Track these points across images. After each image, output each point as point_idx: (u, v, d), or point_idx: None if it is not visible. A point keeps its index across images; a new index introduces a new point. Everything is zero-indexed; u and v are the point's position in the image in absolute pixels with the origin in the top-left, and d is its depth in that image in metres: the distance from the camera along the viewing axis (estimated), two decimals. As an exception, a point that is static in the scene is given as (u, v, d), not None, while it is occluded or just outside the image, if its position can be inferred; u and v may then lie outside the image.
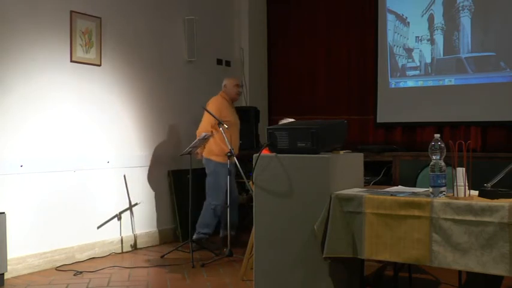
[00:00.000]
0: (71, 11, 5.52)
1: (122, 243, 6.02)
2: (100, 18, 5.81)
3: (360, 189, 3.66)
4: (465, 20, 6.62)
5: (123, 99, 6.11)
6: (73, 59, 5.56)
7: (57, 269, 5.22)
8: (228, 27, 7.58)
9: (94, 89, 5.78)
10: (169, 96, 6.62)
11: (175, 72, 6.74)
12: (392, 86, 7.06)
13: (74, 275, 5.02)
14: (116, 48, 6.01)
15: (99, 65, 5.83)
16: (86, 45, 5.68)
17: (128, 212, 6.17)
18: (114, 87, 6.01)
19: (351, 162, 3.89)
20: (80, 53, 5.61)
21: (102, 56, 5.85)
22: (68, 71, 5.52)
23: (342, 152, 3.80)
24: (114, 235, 5.97)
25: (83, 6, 5.65)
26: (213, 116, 5.61)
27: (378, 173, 6.05)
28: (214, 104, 5.98)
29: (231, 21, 7.62)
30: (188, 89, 6.86)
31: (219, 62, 7.43)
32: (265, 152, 3.78)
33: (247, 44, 7.67)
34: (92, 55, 5.74)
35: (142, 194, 6.33)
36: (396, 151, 6.48)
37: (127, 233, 6.12)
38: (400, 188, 3.85)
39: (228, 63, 7.54)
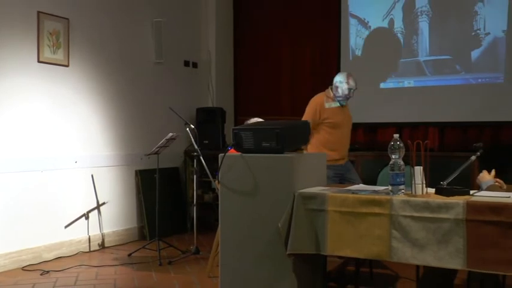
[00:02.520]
0: (38, 12, 5.43)
1: (89, 242, 5.95)
2: (68, 19, 5.73)
3: (323, 188, 3.68)
4: (423, 25, 6.73)
5: (91, 99, 6.04)
6: (40, 60, 5.47)
7: (24, 268, 5.13)
8: (195, 30, 7.55)
9: (62, 89, 5.70)
10: (137, 97, 6.57)
11: (143, 73, 6.68)
12: (354, 88, 7.12)
13: (41, 274, 4.94)
14: (84, 49, 5.93)
15: (67, 66, 5.75)
16: (53, 46, 5.60)
17: (96, 211, 6.10)
18: (82, 88, 5.94)
19: (314, 161, 3.92)
20: (47, 54, 5.53)
21: (70, 56, 5.77)
22: (35, 71, 5.43)
23: (305, 152, 3.82)
24: (81, 234, 5.89)
25: (50, 7, 5.56)
26: (178, 116, 5.55)
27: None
28: (310, 105, 5.52)
29: (198, 23, 7.60)
30: (156, 90, 6.81)
31: (187, 63, 7.39)
32: (231, 152, 3.78)
33: (214, 46, 7.65)
34: (59, 56, 5.66)
35: (110, 193, 6.26)
36: (358, 151, 6.55)
37: (94, 232, 6.05)
38: (361, 186, 3.90)
39: (195, 65, 7.51)
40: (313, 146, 5.35)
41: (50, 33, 5.56)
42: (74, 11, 5.82)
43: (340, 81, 5.36)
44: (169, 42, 6.93)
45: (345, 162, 5.38)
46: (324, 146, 5.30)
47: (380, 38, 6.99)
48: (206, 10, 7.65)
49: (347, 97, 5.37)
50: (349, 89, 5.32)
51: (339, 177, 5.25)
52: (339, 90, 5.34)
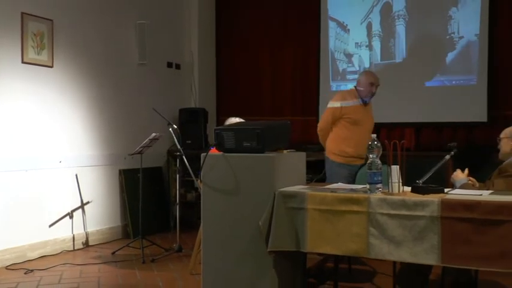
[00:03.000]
0: (22, 13, 5.37)
1: (73, 241, 5.90)
2: (52, 20, 5.67)
3: (303, 187, 3.70)
4: (400, 28, 6.78)
5: (75, 100, 5.99)
6: (25, 60, 5.41)
7: (8, 268, 5.06)
8: (178, 32, 7.53)
9: (46, 89, 5.64)
10: (120, 98, 6.53)
11: (127, 74, 6.65)
12: (334, 88, 7.16)
13: (25, 273, 4.87)
14: (68, 50, 5.88)
15: (51, 67, 5.69)
16: (37, 47, 5.54)
17: (80, 210, 6.04)
18: (67, 88, 5.88)
19: (294, 160, 3.93)
20: (31, 55, 5.47)
21: (54, 57, 5.71)
22: (19, 72, 5.36)
23: (285, 151, 3.83)
24: (65, 233, 5.84)
25: (34, 9, 5.50)
26: (162, 116, 5.53)
27: (320, 171, 6.10)
28: (335, 99, 5.43)
29: (181, 26, 7.57)
30: (139, 90, 6.78)
31: (169, 64, 7.36)
32: (213, 152, 3.78)
33: (196, 47, 7.63)
34: (43, 57, 5.60)
35: (94, 192, 6.22)
36: (337, 150, 6.56)
37: (79, 231, 6.00)
38: (340, 185, 3.92)
39: (178, 66, 7.49)
40: (331, 141, 5.32)
41: (34, 34, 5.50)
42: (58, 12, 5.76)
43: (362, 79, 5.33)
44: (153, 43, 6.90)
45: (361, 162, 5.13)
46: (342, 142, 5.24)
47: (362, 41, 7.02)
48: (189, 12, 7.62)
49: (369, 93, 5.28)
50: (371, 83, 5.24)
51: (353, 178, 5.06)
52: (361, 86, 5.29)
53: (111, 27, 6.43)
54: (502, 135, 4.00)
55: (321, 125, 5.44)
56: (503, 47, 6.28)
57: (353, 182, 4.86)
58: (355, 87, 5.38)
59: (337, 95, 5.48)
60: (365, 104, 5.32)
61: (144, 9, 6.85)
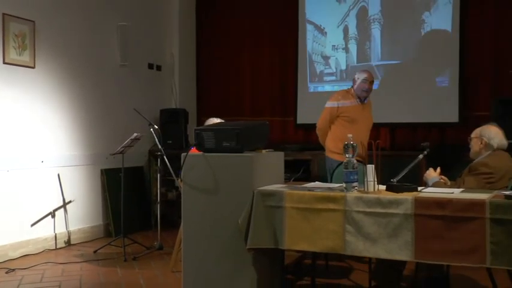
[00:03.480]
0: (4, 14, 5.29)
1: (55, 240, 5.83)
2: (34, 21, 5.60)
3: (281, 185, 3.71)
4: (376, 32, 6.83)
5: (57, 100, 5.92)
6: (6, 61, 5.33)
7: (-11, 267, 4.99)
8: (159, 34, 7.48)
9: (28, 90, 5.57)
10: (102, 98, 6.47)
11: (109, 76, 6.59)
12: (311, 90, 7.19)
13: (6, 272, 4.79)
14: (50, 51, 5.81)
15: (33, 67, 5.61)
16: (19, 48, 5.47)
17: (62, 209, 5.98)
18: (48, 89, 5.81)
19: (273, 160, 3.93)
20: (13, 55, 5.39)
21: (36, 58, 5.64)
22: (0, 72, 5.28)
23: (264, 151, 3.83)
24: (47, 232, 5.76)
25: (16, 10, 5.42)
26: (143, 116, 5.49)
27: (298, 170, 6.13)
28: (332, 98, 5.40)
29: (162, 28, 7.53)
30: (121, 91, 6.72)
31: (151, 66, 7.32)
32: (193, 151, 3.77)
33: (177, 49, 7.60)
34: (25, 57, 5.53)
35: (76, 192, 6.15)
36: (314, 150, 6.57)
37: (61, 230, 5.92)
38: (317, 183, 3.93)
39: (159, 68, 7.45)
40: (330, 140, 5.30)
41: (16, 35, 5.42)
42: (40, 13, 5.69)
43: (355, 77, 5.31)
44: (134, 45, 6.85)
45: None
46: (339, 140, 4.98)
47: (339, 44, 7.05)
48: (170, 15, 7.58)
49: (362, 90, 5.23)
50: (364, 80, 5.20)
51: None
52: (355, 84, 5.28)
53: (93, 28, 6.37)
54: (472, 135, 4.05)
55: (319, 124, 5.43)
56: (474, 49, 6.35)
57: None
58: (352, 86, 5.35)
59: (334, 94, 5.47)
60: (362, 102, 5.29)
61: (125, 11, 6.79)
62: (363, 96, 5.27)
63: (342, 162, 4.86)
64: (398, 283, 3.91)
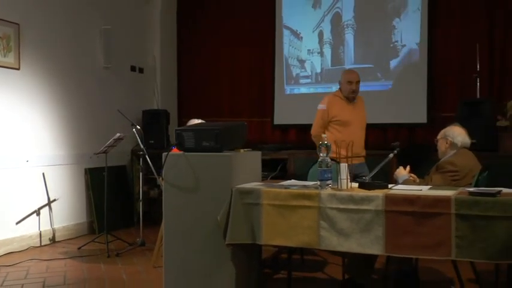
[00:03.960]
0: (-12, 17, 5.22)
1: (40, 237, 5.75)
2: (18, 24, 5.52)
3: (258, 183, 3.71)
4: (349, 37, 6.86)
5: (42, 101, 5.84)
6: (-9, 63, 5.26)
7: (-26, 264, 4.90)
8: (141, 37, 7.42)
9: (13, 91, 5.49)
10: (86, 99, 6.40)
11: (92, 77, 6.52)
12: (288, 92, 7.20)
13: (-8, 269, 4.73)
14: (35, 53, 5.73)
15: (18, 69, 5.53)
16: (4, 50, 5.39)
17: (47, 207, 5.90)
18: (33, 90, 5.73)
19: (251, 159, 3.93)
20: (-2, 57, 5.32)
21: (20, 60, 5.56)
22: (-15, 74, 5.21)
23: (242, 151, 3.83)
24: (32, 230, 5.69)
25: (1, 13, 5.34)
26: (125, 117, 5.43)
27: (275, 169, 6.13)
28: (322, 102, 5.17)
29: (144, 31, 7.47)
30: (104, 92, 6.66)
31: (133, 68, 7.26)
32: (174, 151, 3.75)
33: (158, 52, 7.55)
34: (10, 59, 5.44)
35: (61, 190, 6.07)
36: (290, 149, 6.61)
37: (46, 228, 5.85)
38: (293, 181, 3.93)
39: (141, 70, 7.39)
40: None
41: (1, 38, 5.34)
42: (25, 16, 5.61)
43: (341, 79, 5.07)
44: (117, 48, 6.79)
45: (358, 162, 4.72)
46: (334, 144, 5.00)
47: (314, 48, 7.07)
48: (151, 19, 7.54)
49: (348, 91, 4.98)
50: (348, 82, 4.95)
51: (353, 177, 4.75)
52: (341, 86, 5.05)
53: (77, 31, 6.30)
54: (438, 136, 4.10)
55: (313, 131, 5.22)
56: (441, 54, 6.42)
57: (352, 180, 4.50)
58: (339, 88, 5.13)
59: (324, 98, 5.25)
60: (352, 102, 5.05)
61: (108, 15, 6.73)
62: (351, 97, 5.03)
63: None
64: (369, 276, 3.94)
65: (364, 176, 3.97)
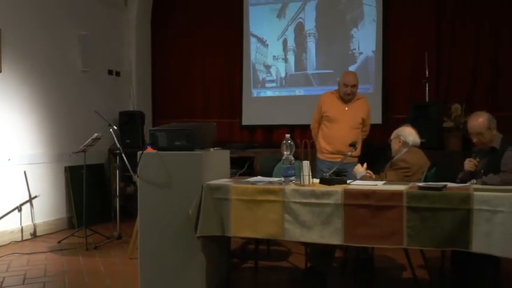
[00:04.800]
0: (-29, 23, 5.05)
1: (21, 232, 5.59)
2: (0, 29, 5.36)
3: (227, 180, 3.70)
4: (311, 45, 6.89)
5: (23, 102, 5.69)
6: (-27, 66, 5.09)
7: (-44, 259, 4.74)
8: (117, 43, 7.30)
9: (-5, 93, 5.34)
10: (65, 101, 6.25)
11: (71, 80, 6.37)
12: (255, 95, 7.19)
13: (-26, 263, 4.58)
14: (15, 57, 5.56)
15: (0, 72, 5.37)
16: (-15, 54, 5.24)
17: (28, 204, 5.75)
18: (15, 92, 5.58)
19: (220, 157, 3.92)
20: (-21, 61, 5.16)
21: (2, 63, 5.39)
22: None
23: (212, 149, 3.82)
24: (14, 225, 5.53)
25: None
26: (103, 118, 5.34)
27: (243, 166, 6.11)
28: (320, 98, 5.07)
29: (120, 37, 7.35)
30: (82, 95, 6.52)
31: (110, 72, 7.14)
32: (149, 150, 3.71)
33: (134, 57, 7.43)
34: (-9, 62, 5.30)
35: (42, 187, 5.92)
36: (257, 148, 6.60)
37: (27, 223, 5.69)
38: (259, 178, 3.93)
39: (118, 74, 7.27)
40: (317, 139, 4.99)
41: (-18, 43, 5.19)
42: (6, 22, 5.44)
43: (339, 80, 4.94)
44: (94, 53, 6.66)
45: (341, 160, 4.30)
46: (323, 139, 4.93)
47: (279, 54, 7.09)
48: (127, 25, 7.41)
49: (344, 93, 4.85)
50: (344, 84, 4.82)
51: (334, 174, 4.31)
52: (339, 87, 4.92)
53: (56, 37, 6.15)
54: (391, 137, 4.17)
55: (312, 124, 5.13)
56: (394, 61, 6.51)
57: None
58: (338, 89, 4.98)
59: (321, 96, 5.18)
60: (348, 103, 4.89)
61: (85, 22, 6.58)
62: (347, 99, 4.88)
63: (321, 160, 4.82)
64: (330, 264, 3.97)
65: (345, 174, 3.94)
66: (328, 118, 4.88)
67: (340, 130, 4.79)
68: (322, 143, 4.93)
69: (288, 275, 4.23)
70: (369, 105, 5.06)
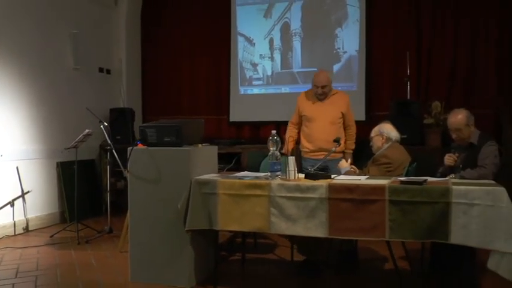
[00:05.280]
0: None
1: (14, 227, 5.52)
2: (-7, 27, 5.30)
3: (215, 175, 3.69)
4: (297, 44, 6.88)
5: (16, 100, 5.61)
6: (-35, 64, 5.00)
7: (-51, 254, 4.66)
8: (108, 41, 7.22)
9: (-13, 91, 5.25)
10: (57, 98, 6.17)
11: (63, 78, 6.29)
12: (242, 92, 7.17)
13: (-34, 257, 4.51)
14: (8, 55, 5.48)
15: (-8, 70, 5.31)
16: (-22, 52, 5.15)
17: (21, 199, 5.67)
18: (8, 90, 5.50)
19: (208, 153, 3.91)
20: (-29, 60, 5.07)
21: (-6, 62, 5.33)
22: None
23: (200, 145, 3.80)
24: (7, 220, 5.45)
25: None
26: (94, 115, 5.28)
27: (230, 162, 6.06)
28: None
29: (110, 36, 7.27)
30: (74, 92, 6.44)
31: (101, 70, 7.06)
32: (139, 146, 3.69)
33: (124, 55, 7.36)
34: (-16, 61, 5.21)
35: (34, 183, 5.85)
36: (244, 144, 6.58)
37: (19, 218, 5.62)
38: (246, 173, 3.92)
39: (108, 71, 7.20)
40: (300, 139, 4.83)
41: (-26, 41, 5.09)
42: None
43: (312, 81, 4.74)
44: (85, 51, 6.58)
45: (325, 157, 4.27)
46: (303, 138, 4.77)
47: (266, 53, 7.07)
48: (117, 24, 7.34)
49: (315, 93, 4.67)
50: (315, 85, 4.66)
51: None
52: (312, 86, 4.74)
53: (48, 35, 6.06)
54: (372, 134, 4.12)
55: (288, 125, 4.95)
56: (377, 60, 6.53)
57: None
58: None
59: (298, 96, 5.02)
60: (321, 100, 4.69)
61: (77, 20, 6.49)
62: (320, 99, 4.70)
63: (304, 158, 4.65)
64: (323, 254, 3.93)
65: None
66: (306, 117, 4.72)
67: (319, 127, 4.64)
68: (303, 143, 4.77)
69: (283, 268, 4.19)
70: (347, 99, 4.81)
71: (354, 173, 3.98)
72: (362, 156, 4.51)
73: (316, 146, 4.64)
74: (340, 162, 4.16)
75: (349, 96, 4.92)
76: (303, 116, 4.75)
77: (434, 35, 6.27)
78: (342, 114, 4.72)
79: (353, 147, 4.81)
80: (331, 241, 4.01)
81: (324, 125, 4.64)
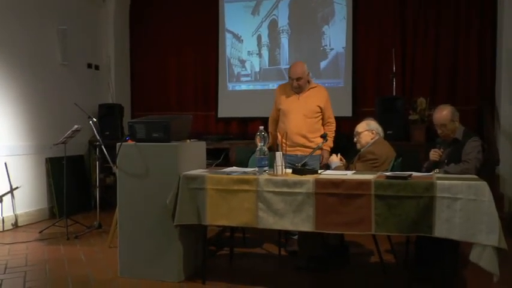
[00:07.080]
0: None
1: (3, 222, 5.45)
2: (-21, 23, 5.20)
3: (203, 170, 3.67)
4: (284, 40, 6.87)
5: (3, 95, 5.52)
6: (-48, 60, 4.91)
7: None
8: (96, 37, 7.15)
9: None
10: (46, 94, 6.09)
11: (51, 74, 6.21)
12: (230, 88, 7.15)
13: (-46, 254, 4.44)
14: (-3, 52, 5.43)
15: (-21, 66, 5.23)
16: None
17: (9, 195, 5.60)
18: (-5, 85, 5.43)
19: (196, 148, 3.89)
20: (-42, 55, 4.98)
21: (-18, 57, 5.25)
22: None
23: (188, 141, 3.78)
24: (-5, 215, 5.40)
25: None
26: (83, 110, 5.23)
27: (218, 157, 6.05)
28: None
29: (99, 32, 7.20)
30: (62, 88, 6.37)
31: (89, 65, 6.99)
32: (129, 142, 3.66)
33: (112, 51, 7.30)
34: (-29, 57, 5.12)
35: (23, 178, 5.77)
36: (232, 140, 6.57)
37: (8, 214, 5.55)
38: (234, 168, 3.91)
39: (97, 67, 7.13)
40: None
41: (-39, 37, 5.00)
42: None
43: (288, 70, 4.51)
44: (74, 47, 6.51)
45: (300, 154, 4.22)
46: (278, 132, 4.51)
47: (253, 50, 7.04)
48: (105, 19, 7.26)
49: (293, 86, 4.38)
50: (290, 77, 4.39)
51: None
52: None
53: (36, 31, 5.98)
54: (360, 130, 4.05)
55: (269, 120, 4.75)
56: (363, 57, 6.55)
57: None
58: None
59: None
60: (298, 93, 4.42)
61: (64, 16, 6.41)
62: (297, 92, 4.41)
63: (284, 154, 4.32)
64: (325, 246, 3.92)
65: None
66: (282, 112, 4.44)
67: (293, 121, 4.34)
68: (280, 139, 4.42)
69: (271, 263, 4.18)
70: (325, 93, 4.49)
71: (344, 167, 3.98)
72: (348, 152, 4.51)
73: (290, 140, 4.30)
74: (331, 157, 4.16)
75: (336, 93, 4.85)
76: (280, 109, 4.48)
77: (417, 33, 6.32)
78: (320, 108, 4.40)
79: (332, 145, 4.48)
80: (324, 236, 4.03)
81: (298, 118, 4.34)
